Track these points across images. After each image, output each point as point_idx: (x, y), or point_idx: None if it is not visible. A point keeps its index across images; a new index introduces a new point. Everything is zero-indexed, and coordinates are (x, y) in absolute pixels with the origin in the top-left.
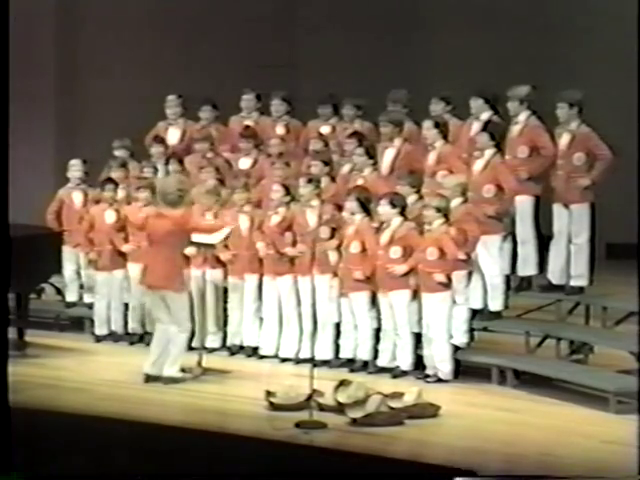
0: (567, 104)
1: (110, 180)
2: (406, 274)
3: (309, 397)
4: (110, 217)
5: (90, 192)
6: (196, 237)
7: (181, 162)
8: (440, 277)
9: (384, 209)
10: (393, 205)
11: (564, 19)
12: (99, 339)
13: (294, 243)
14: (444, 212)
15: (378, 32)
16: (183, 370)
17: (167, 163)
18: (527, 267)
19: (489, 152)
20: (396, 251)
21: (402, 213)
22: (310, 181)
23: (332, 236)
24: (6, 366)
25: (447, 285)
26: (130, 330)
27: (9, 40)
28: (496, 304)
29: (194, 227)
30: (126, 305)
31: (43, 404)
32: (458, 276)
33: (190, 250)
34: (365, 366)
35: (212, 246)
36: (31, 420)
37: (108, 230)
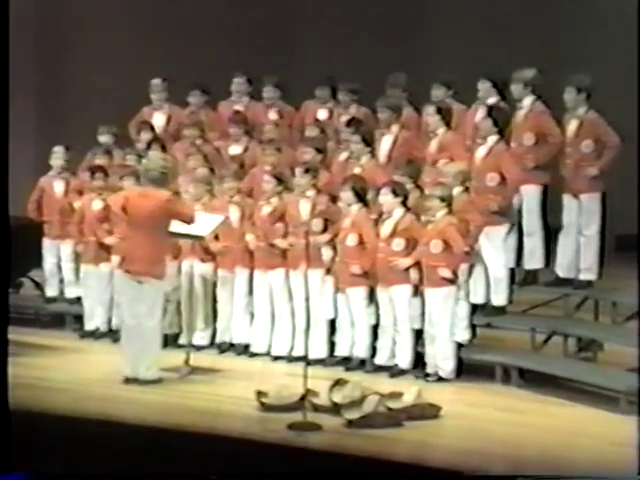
0: (575, 88)
1: (99, 168)
2: (408, 268)
3: (303, 397)
4: (97, 207)
5: (72, 181)
6: (185, 229)
7: (164, 148)
8: (445, 271)
9: (386, 198)
10: (395, 194)
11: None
12: (84, 335)
13: (285, 235)
14: (448, 202)
15: (377, 13)
16: (169, 369)
17: (148, 148)
18: (533, 260)
19: (492, 139)
20: (399, 243)
21: (404, 203)
22: (307, 171)
23: (325, 229)
24: (6, 366)
25: (451, 280)
26: (114, 327)
27: (9, 40)
28: (500, 299)
29: (179, 213)
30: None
31: (29, 406)
32: (459, 269)
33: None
34: (362, 364)
35: (202, 238)
36: (19, 422)
37: (92, 221)
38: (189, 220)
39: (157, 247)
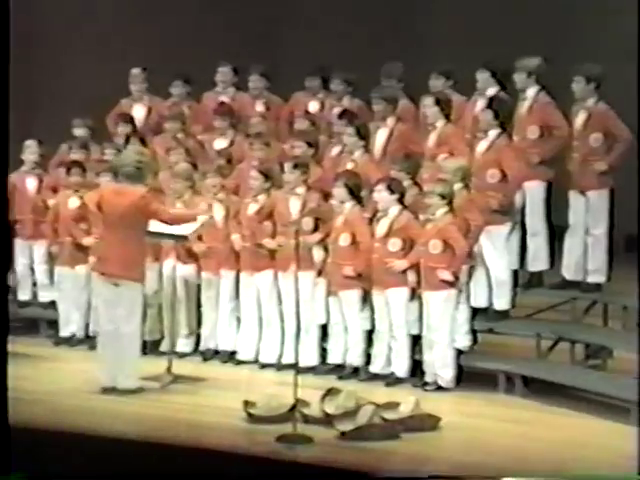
0: (584, 78)
1: (75, 163)
2: (405, 269)
3: (292, 408)
4: (73, 205)
5: (46, 177)
6: (166, 228)
7: (143, 142)
8: (444, 273)
9: (381, 195)
10: (391, 191)
11: None
12: (59, 342)
13: (274, 234)
14: (449, 199)
15: None
16: (151, 378)
17: (127, 142)
18: (538, 261)
19: (493, 132)
20: (395, 243)
21: (400, 200)
22: (297, 166)
23: (316, 228)
24: (6, 369)
25: (452, 282)
26: (91, 333)
27: (9, 40)
28: (502, 303)
29: (155, 212)
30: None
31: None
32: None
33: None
34: (356, 373)
35: (184, 238)
36: None
37: (68, 220)
38: (167, 220)
39: (134, 247)
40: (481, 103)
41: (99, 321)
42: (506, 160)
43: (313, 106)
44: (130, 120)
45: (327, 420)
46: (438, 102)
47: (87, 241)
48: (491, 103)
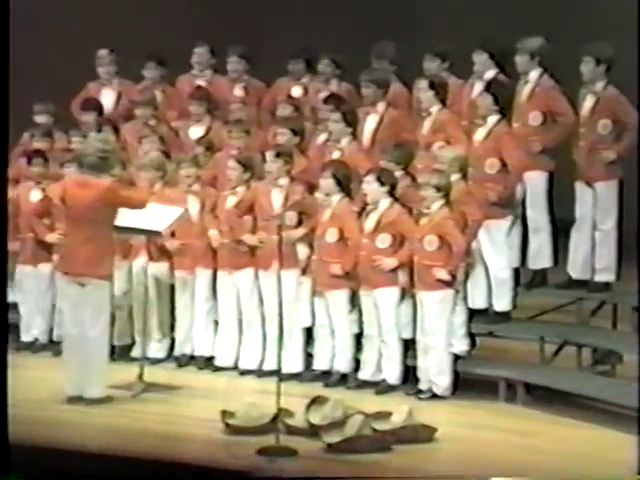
0: (594, 59)
1: (37, 152)
2: (396, 268)
3: (275, 418)
4: (35, 198)
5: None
6: (137, 223)
7: (117, 130)
8: (440, 272)
9: (370, 187)
10: (381, 182)
11: None
12: (21, 348)
13: (254, 230)
14: (445, 192)
15: None
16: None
17: (99, 131)
18: (541, 258)
19: (492, 119)
20: (384, 239)
21: (391, 193)
22: (279, 155)
23: (300, 223)
24: (5, 370)
25: (448, 282)
26: (56, 338)
27: (9, 40)
28: (503, 303)
29: (126, 199)
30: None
31: None
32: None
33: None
34: (344, 380)
35: (158, 234)
36: None
37: (30, 215)
38: (138, 205)
39: (100, 244)
40: (479, 87)
41: (64, 325)
42: (506, 148)
43: (297, 90)
44: (98, 106)
45: (312, 431)
46: (433, 86)
47: (51, 237)
48: (489, 86)
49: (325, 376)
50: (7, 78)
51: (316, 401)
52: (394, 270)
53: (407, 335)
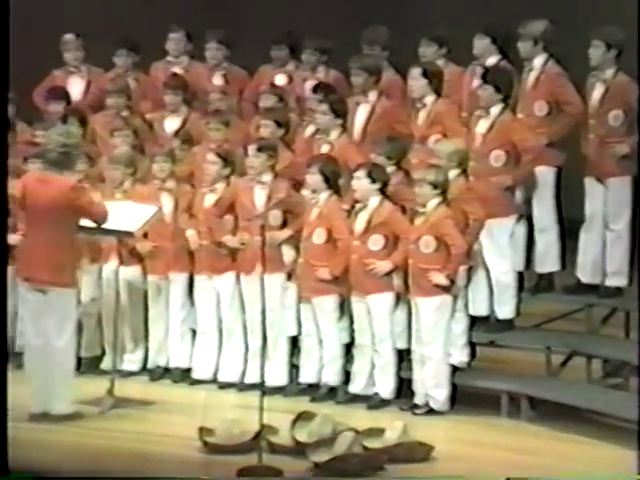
0: (604, 44)
1: None
2: (390, 272)
3: (257, 435)
4: None
5: None
6: (108, 222)
7: (84, 122)
8: (438, 276)
9: (360, 183)
10: (372, 179)
11: None
12: None
13: (235, 230)
14: (442, 189)
15: None
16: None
17: (64, 123)
18: (547, 261)
19: (496, 109)
20: (376, 241)
21: (382, 190)
22: (262, 149)
23: (285, 223)
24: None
25: (446, 287)
26: (18, 349)
27: (9, 40)
28: (506, 310)
29: (84, 208)
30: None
31: None
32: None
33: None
34: (332, 393)
35: (130, 234)
36: None
37: None
38: (100, 219)
39: (63, 248)
40: (480, 75)
41: (25, 335)
42: (517, 133)
43: (281, 79)
44: (65, 95)
45: (298, 450)
46: (426, 74)
47: (11, 239)
48: (492, 75)
49: (312, 389)
50: (7, 76)
51: (302, 417)
52: (388, 274)
53: (402, 345)
